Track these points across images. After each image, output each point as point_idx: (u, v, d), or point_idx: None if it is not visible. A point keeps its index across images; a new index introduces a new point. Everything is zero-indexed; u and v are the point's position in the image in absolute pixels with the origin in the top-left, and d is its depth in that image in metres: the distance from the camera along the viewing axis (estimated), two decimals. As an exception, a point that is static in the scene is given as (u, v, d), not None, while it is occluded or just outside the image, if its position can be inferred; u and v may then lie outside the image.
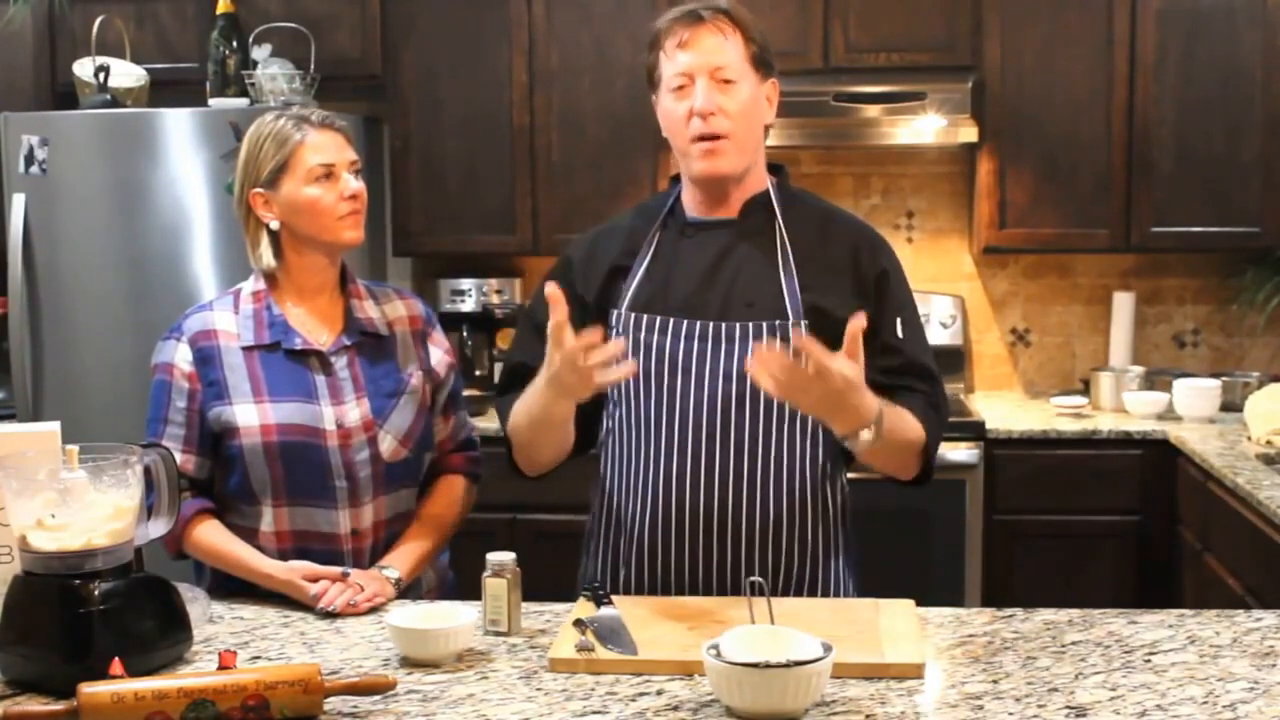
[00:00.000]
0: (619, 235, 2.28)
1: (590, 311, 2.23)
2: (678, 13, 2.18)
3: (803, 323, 2.12)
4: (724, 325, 2.15)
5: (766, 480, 2.14)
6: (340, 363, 2.28)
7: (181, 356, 2.27)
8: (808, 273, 2.17)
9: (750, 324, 2.14)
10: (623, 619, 1.96)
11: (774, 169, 2.29)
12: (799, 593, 2.18)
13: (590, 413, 2.23)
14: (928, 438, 2.16)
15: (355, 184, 2.26)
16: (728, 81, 2.13)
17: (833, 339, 2.05)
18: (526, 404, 2.14)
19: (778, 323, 2.13)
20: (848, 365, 1.90)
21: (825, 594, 2.20)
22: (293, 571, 2.15)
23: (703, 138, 2.14)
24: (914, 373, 2.20)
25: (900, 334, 2.19)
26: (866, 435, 1.98)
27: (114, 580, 1.81)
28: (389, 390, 2.30)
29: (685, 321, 2.16)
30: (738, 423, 2.13)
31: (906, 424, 2.11)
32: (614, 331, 2.20)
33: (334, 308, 2.33)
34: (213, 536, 2.23)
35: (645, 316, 2.19)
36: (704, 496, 2.14)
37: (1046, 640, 1.93)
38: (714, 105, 2.12)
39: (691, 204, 2.25)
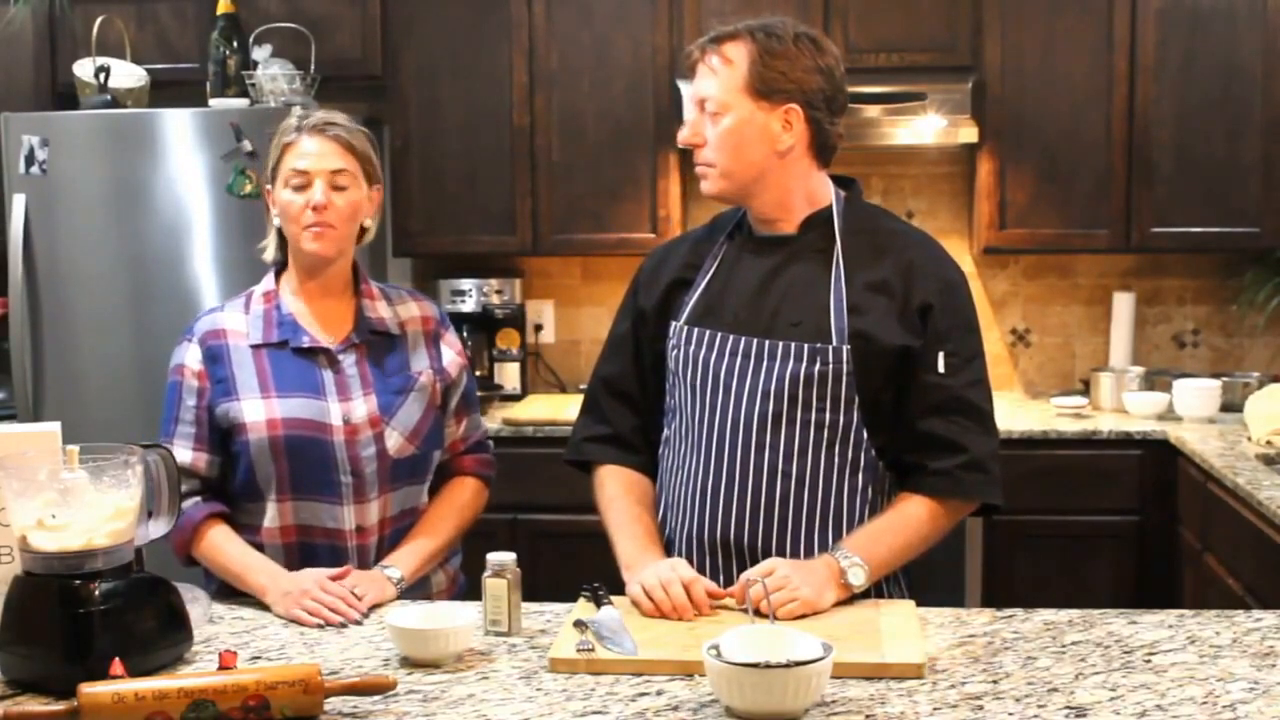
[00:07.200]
0: (685, 246, 2.30)
1: (649, 324, 2.26)
2: (701, 39, 2.19)
3: (845, 347, 2.09)
4: (767, 343, 2.13)
5: (800, 499, 2.13)
6: (348, 360, 2.29)
7: (192, 357, 2.29)
8: (857, 293, 2.13)
9: (793, 344, 2.11)
10: (623, 619, 1.96)
11: (846, 183, 2.26)
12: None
13: (650, 424, 2.30)
14: (947, 518, 2.19)
15: (320, 196, 2.22)
16: (715, 114, 2.13)
17: (875, 365, 2.08)
18: (612, 526, 2.23)
19: (818, 345, 2.10)
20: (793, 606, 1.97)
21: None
22: (290, 603, 2.10)
23: (697, 164, 2.19)
24: (957, 409, 2.13)
25: (942, 368, 2.12)
26: (860, 586, 2.06)
27: (114, 580, 1.81)
28: (397, 387, 2.30)
29: (732, 337, 2.16)
30: (772, 441, 2.12)
31: (900, 544, 2.14)
32: (671, 344, 2.22)
33: (346, 308, 2.33)
34: (219, 548, 2.23)
35: (697, 330, 2.19)
36: (735, 514, 2.14)
37: (1046, 640, 1.93)
38: (695, 137, 2.16)
39: (751, 218, 2.24)
